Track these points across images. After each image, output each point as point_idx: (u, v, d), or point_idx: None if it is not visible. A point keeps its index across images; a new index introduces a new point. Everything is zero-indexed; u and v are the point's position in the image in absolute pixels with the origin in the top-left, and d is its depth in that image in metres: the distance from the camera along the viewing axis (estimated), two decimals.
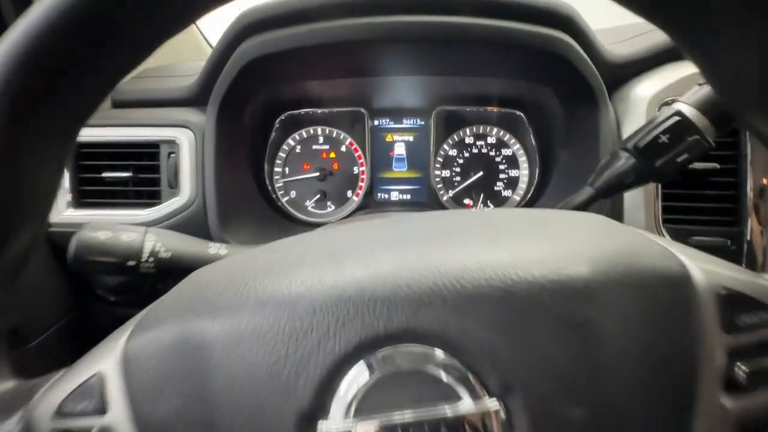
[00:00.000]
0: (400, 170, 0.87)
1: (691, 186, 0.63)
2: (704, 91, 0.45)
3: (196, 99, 0.72)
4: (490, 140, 0.86)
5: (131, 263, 0.45)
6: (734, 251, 0.63)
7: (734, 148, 0.62)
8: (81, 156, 0.72)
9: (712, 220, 0.63)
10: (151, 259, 0.45)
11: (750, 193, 0.62)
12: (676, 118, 0.45)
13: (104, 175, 0.71)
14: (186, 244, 0.48)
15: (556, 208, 0.55)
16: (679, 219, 0.64)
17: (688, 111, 0.45)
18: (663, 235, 0.64)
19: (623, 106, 0.67)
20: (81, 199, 0.72)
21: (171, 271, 0.46)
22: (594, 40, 0.63)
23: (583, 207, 0.52)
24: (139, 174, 0.71)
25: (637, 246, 0.25)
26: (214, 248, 0.50)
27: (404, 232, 0.27)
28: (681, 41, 0.23)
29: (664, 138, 0.45)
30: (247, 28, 0.61)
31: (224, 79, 0.64)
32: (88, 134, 0.71)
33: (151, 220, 0.70)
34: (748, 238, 0.62)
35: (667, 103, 0.62)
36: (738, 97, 0.23)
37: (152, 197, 0.72)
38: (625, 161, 0.49)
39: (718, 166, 0.63)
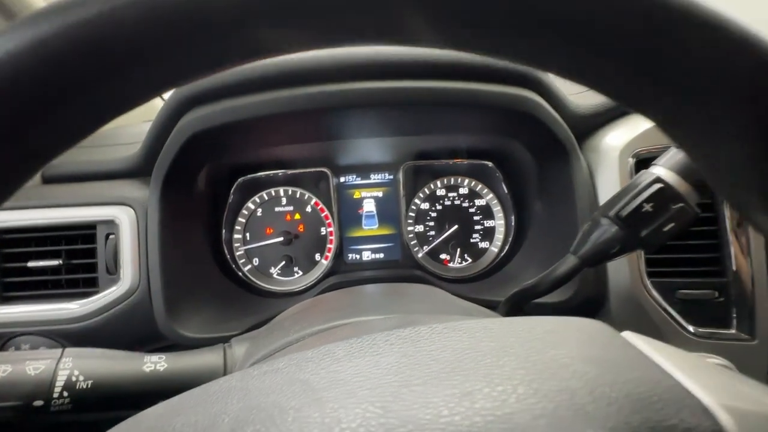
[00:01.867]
0: (370, 228, 0.82)
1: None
2: (683, 154, 0.43)
3: (138, 170, 0.65)
4: (462, 191, 0.82)
5: (38, 403, 0.36)
6: (722, 303, 0.61)
7: (713, 194, 0.61)
8: (3, 243, 0.62)
9: (697, 271, 0.60)
10: (66, 394, 0.37)
11: (732, 241, 0.60)
12: (658, 186, 0.42)
13: (30, 264, 0.61)
14: (114, 365, 0.40)
15: (540, 277, 0.50)
16: (665, 272, 0.61)
17: (669, 177, 0.42)
18: (650, 291, 0.60)
19: (595, 156, 0.65)
20: (4, 293, 0.62)
21: (93, 406, 0.38)
22: (561, 95, 0.61)
23: (569, 277, 0.48)
24: (71, 260, 0.62)
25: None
26: (150, 363, 0.41)
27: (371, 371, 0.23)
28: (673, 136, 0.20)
29: (647, 207, 0.42)
30: (186, 102, 0.55)
31: (167, 154, 0.58)
32: (11, 218, 0.62)
33: (87, 313, 0.60)
34: (735, 288, 0.60)
35: (642, 161, 0.60)
36: (736, 195, 0.20)
37: (89, 285, 0.62)
38: (607, 229, 0.45)
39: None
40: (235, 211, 0.78)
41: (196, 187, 0.69)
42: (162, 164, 0.58)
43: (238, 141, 0.63)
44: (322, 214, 0.79)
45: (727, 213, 0.61)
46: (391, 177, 0.82)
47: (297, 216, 0.80)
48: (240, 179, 0.77)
